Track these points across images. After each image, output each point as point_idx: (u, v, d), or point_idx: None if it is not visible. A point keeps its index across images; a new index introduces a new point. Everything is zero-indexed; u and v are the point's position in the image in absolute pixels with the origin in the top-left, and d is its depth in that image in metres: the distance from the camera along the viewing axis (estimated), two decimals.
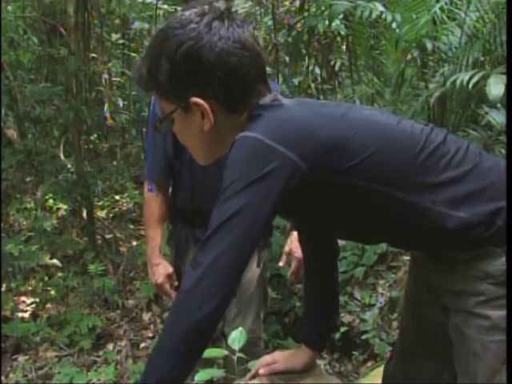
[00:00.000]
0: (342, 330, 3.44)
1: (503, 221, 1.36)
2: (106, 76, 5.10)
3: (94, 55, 5.24)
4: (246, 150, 1.31)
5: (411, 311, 1.71)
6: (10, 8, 5.75)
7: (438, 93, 3.52)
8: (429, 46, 3.54)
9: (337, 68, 6.08)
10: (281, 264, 2.58)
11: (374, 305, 3.57)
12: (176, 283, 2.57)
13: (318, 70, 6.05)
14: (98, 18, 4.97)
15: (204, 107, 1.36)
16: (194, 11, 1.37)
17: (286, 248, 2.54)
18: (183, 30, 1.34)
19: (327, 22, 4.43)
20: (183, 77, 1.36)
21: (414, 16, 3.60)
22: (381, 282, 3.75)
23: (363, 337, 3.34)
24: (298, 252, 2.46)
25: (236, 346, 1.66)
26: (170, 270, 2.56)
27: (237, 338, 1.70)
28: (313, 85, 5.71)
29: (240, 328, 1.85)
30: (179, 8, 6.34)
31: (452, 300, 1.46)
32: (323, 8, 4.39)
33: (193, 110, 1.38)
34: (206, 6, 1.38)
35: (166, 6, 5.93)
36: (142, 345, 3.92)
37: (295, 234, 2.47)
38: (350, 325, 3.49)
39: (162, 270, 2.55)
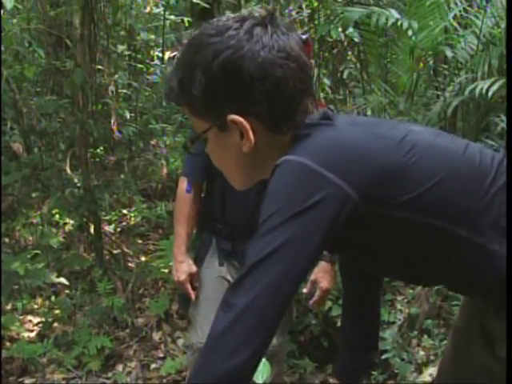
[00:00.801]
0: None
1: None
2: (112, 88, 4.99)
3: (100, 67, 5.15)
4: (289, 176, 1.14)
5: (456, 350, 1.53)
6: (15, 20, 5.68)
7: (457, 102, 3.42)
8: (448, 53, 3.43)
9: (345, 77, 5.99)
10: (305, 290, 2.53)
11: (392, 322, 3.44)
12: (197, 284, 2.57)
13: (326, 80, 5.96)
14: (103, 29, 4.87)
15: (243, 126, 1.20)
16: (232, 17, 1.22)
17: (312, 276, 2.48)
18: (220, 38, 1.18)
19: (339, 30, 4.31)
20: (220, 91, 1.20)
21: (431, 23, 3.51)
22: (399, 298, 3.63)
23: (383, 356, 3.21)
24: (324, 282, 2.45)
25: (260, 380, 1.53)
26: (194, 269, 2.56)
27: (260, 371, 1.56)
28: (322, 95, 5.61)
29: (264, 360, 1.75)
30: (186, 19, 6.26)
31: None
32: (334, 16, 4.26)
33: (230, 129, 1.22)
34: (245, 12, 1.23)
35: (172, 17, 5.85)
36: (153, 366, 3.79)
37: (323, 262, 2.42)
38: None
39: (185, 267, 2.54)
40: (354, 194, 1.13)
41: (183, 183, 2.55)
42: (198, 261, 2.61)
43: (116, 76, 5.46)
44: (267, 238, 1.10)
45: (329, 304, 3.50)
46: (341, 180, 1.12)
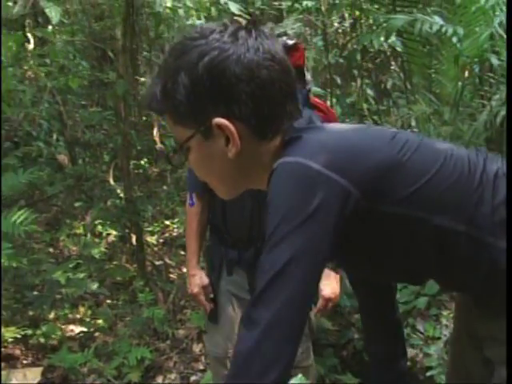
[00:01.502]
0: None
1: None
2: None
3: (142, 79, 5.19)
4: (288, 179, 1.12)
5: (453, 363, 1.54)
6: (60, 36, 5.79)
7: (504, 111, 3.32)
8: (494, 61, 3.34)
9: (389, 87, 5.91)
10: None
11: (438, 338, 3.34)
12: (211, 295, 2.58)
13: (370, 91, 5.89)
14: (146, 41, 4.92)
15: (229, 129, 1.18)
16: (216, 23, 1.21)
17: None
18: (205, 40, 1.17)
19: (382, 39, 4.25)
20: (205, 93, 1.17)
21: (476, 29, 3.42)
22: (444, 312, 3.52)
23: (428, 373, 3.11)
24: (326, 290, 2.43)
25: None
26: (206, 281, 2.57)
27: None
28: (365, 106, 5.55)
29: (299, 375, 1.72)
30: None
31: (497, 351, 1.27)
32: (376, 25, 4.21)
33: (214, 135, 1.20)
34: (227, 20, 1.23)
35: None
36: (193, 378, 3.76)
37: (326, 270, 2.37)
38: (413, 359, 3.26)
39: (197, 280, 2.57)
40: (355, 189, 1.13)
41: (187, 198, 2.60)
42: (213, 271, 2.61)
43: None
44: (278, 251, 1.08)
45: None
46: (340, 177, 1.12)
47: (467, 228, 1.20)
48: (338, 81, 6.52)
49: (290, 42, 2.57)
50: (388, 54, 5.06)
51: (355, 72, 5.67)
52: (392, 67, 5.44)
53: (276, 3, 6.87)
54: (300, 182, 1.11)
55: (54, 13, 4.84)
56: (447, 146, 1.29)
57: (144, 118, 5.41)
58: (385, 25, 3.75)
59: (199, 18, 5.83)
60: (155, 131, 5.28)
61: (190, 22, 5.80)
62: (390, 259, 1.29)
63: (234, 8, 5.75)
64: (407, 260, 1.28)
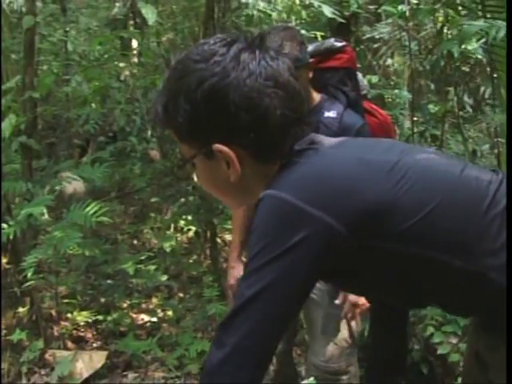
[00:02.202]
0: None
1: None
2: None
3: None
4: (271, 213, 1.10)
5: (463, 378, 1.51)
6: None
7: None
8: None
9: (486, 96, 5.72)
10: (337, 302, 2.47)
11: None
12: None
13: (467, 99, 5.72)
14: None
15: (229, 156, 1.17)
16: (220, 39, 1.17)
17: None
18: (205, 65, 1.14)
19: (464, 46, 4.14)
20: (205, 120, 1.16)
21: None
22: None
23: None
24: (352, 296, 2.37)
25: None
26: None
27: None
28: (461, 113, 5.40)
29: (311, 378, 1.75)
30: (319, 33, 6.28)
31: (501, 379, 1.22)
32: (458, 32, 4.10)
33: (216, 157, 1.18)
34: (235, 34, 1.19)
35: (304, 32, 5.89)
36: None
37: None
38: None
39: (235, 273, 2.62)
40: (342, 227, 1.09)
41: None
42: None
43: None
44: (253, 279, 1.09)
45: (430, 330, 3.37)
46: (326, 215, 1.08)
47: (464, 264, 1.15)
48: (432, 87, 6.39)
49: (338, 44, 2.59)
50: (473, 62, 4.90)
51: (448, 78, 5.54)
52: (479, 74, 5.26)
53: (371, 7, 6.80)
54: (281, 218, 1.09)
55: (150, 14, 5.07)
56: (457, 168, 1.22)
57: None
58: (461, 30, 3.65)
59: (288, 21, 5.88)
60: None
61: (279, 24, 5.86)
62: (387, 290, 1.28)
63: (328, 11, 5.75)
64: (405, 290, 1.25)
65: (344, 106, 2.52)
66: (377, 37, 5.92)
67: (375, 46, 6.32)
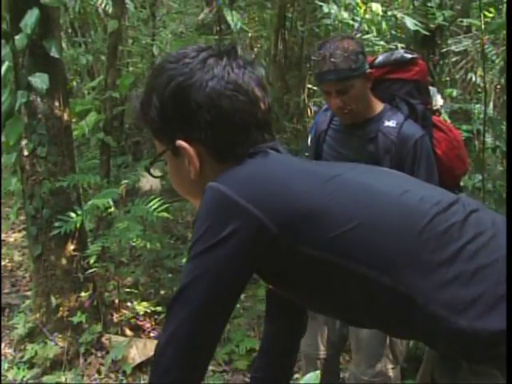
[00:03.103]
0: None
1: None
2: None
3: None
4: (209, 203, 1.17)
5: None
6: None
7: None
8: None
9: None
10: None
11: None
12: None
13: None
14: (296, 53, 5.14)
15: (188, 152, 1.24)
16: (197, 47, 1.28)
17: None
18: (176, 65, 1.24)
19: None
20: (170, 116, 1.25)
21: None
22: None
23: None
24: None
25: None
26: None
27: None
28: None
29: (317, 372, 1.79)
30: (400, 45, 6.28)
31: None
32: None
33: (181, 155, 1.27)
34: (210, 44, 1.29)
35: (382, 43, 5.89)
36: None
37: None
38: None
39: None
40: (273, 226, 1.14)
41: None
42: None
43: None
44: (191, 265, 1.15)
45: None
46: (258, 211, 1.13)
47: (395, 283, 1.14)
48: None
49: (408, 56, 2.57)
50: None
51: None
52: None
53: (459, 20, 6.70)
54: (217, 210, 1.15)
55: (235, 20, 5.24)
56: (399, 191, 1.23)
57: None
58: None
59: (367, 32, 5.90)
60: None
61: (357, 35, 5.89)
62: (318, 298, 1.29)
63: (410, 23, 5.73)
64: (335, 302, 1.26)
65: (405, 116, 2.52)
66: (457, 50, 5.85)
67: (455, 59, 6.24)
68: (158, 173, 1.43)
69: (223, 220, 1.13)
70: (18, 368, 3.73)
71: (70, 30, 7.02)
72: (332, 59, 2.38)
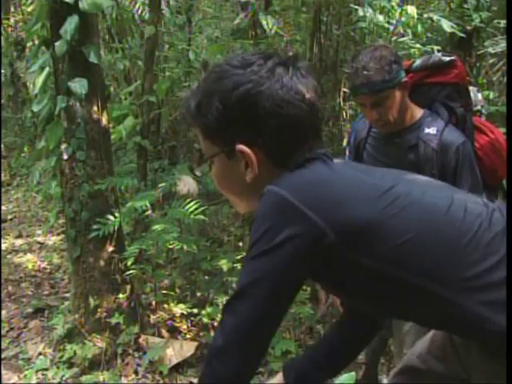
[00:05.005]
0: None
1: None
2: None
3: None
4: (270, 207, 1.21)
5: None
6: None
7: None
8: None
9: None
10: None
11: None
12: None
13: None
14: (333, 56, 5.14)
15: (250, 157, 1.28)
16: (258, 53, 1.31)
17: None
18: (243, 71, 1.27)
19: None
20: (234, 121, 1.28)
21: None
22: None
23: None
24: None
25: None
26: None
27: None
28: None
29: (352, 373, 1.80)
30: (436, 47, 6.23)
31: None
32: None
33: (236, 158, 1.30)
34: (271, 51, 1.33)
35: (418, 45, 5.85)
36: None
37: None
38: None
39: None
40: (331, 233, 1.17)
41: None
42: None
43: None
44: (251, 266, 1.20)
45: None
46: (318, 218, 1.17)
47: (443, 290, 1.22)
48: None
49: (446, 59, 2.55)
50: None
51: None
52: None
53: (496, 21, 6.63)
54: (277, 213, 1.18)
55: (270, 24, 5.26)
56: (445, 203, 1.30)
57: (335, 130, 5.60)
58: None
59: (404, 35, 5.87)
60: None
61: (393, 38, 5.87)
62: (370, 303, 1.36)
63: (447, 26, 5.70)
64: (382, 307, 1.35)
65: (445, 122, 2.50)
66: (494, 52, 5.79)
67: (492, 61, 6.18)
68: (198, 173, 1.46)
69: (283, 224, 1.17)
70: (58, 367, 3.81)
71: (107, 36, 7.12)
72: (365, 72, 2.35)
